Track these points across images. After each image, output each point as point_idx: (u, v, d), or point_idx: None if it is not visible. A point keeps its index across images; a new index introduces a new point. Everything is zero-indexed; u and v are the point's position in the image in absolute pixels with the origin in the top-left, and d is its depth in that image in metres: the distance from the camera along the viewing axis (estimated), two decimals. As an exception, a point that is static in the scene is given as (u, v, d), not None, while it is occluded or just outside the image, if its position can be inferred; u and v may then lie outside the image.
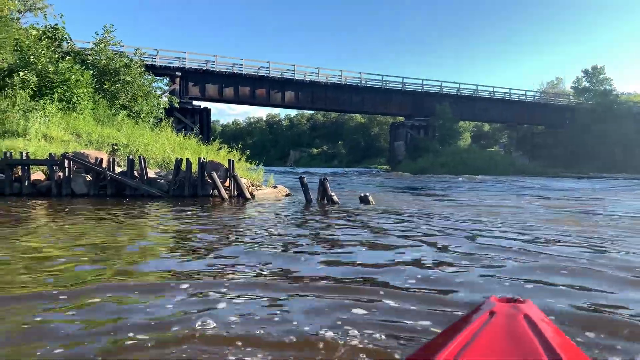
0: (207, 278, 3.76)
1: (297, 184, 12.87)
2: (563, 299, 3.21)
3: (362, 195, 11.36)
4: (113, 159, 12.77)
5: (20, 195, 12.15)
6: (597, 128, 52.40)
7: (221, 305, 3.02)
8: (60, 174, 12.53)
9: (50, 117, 15.58)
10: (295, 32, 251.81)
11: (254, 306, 3.03)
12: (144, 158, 12.58)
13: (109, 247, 5.13)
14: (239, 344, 2.35)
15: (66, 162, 12.38)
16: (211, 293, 3.32)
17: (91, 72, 19.71)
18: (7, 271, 3.95)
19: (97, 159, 12.66)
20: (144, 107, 21.50)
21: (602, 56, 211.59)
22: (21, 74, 16.71)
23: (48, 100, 16.51)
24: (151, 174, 12.97)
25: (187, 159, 12.60)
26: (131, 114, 20.44)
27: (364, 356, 2.24)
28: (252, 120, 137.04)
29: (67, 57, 20.06)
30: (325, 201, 11.21)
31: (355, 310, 2.93)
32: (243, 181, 12.50)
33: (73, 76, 17.89)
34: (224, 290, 3.40)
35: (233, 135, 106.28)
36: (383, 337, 2.48)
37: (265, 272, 4.00)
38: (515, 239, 5.86)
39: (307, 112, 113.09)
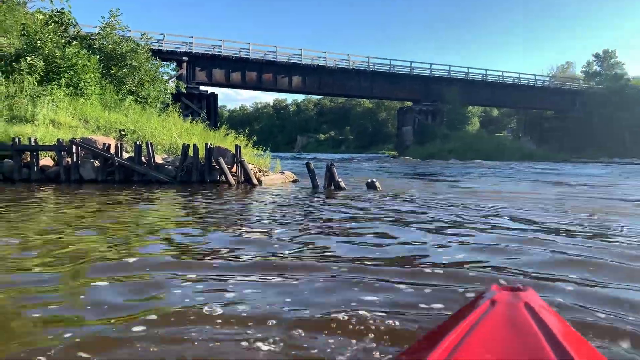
0: (219, 259, 3.77)
1: (304, 170, 12.85)
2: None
3: (369, 181, 11.33)
4: (121, 144, 12.80)
5: (29, 181, 12.22)
6: (607, 113, 51.77)
7: (231, 287, 3.05)
8: (69, 159, 12.58)
9: (57, 103, 15.60)
10: (302, 16, 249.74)
11: (264, 287, 3.06)
12: (151, 144, 12.59)
13: (120, 231, 5.15)
14: (250, 324, 2.36)
15: (74, 147, 12.42)
16: (221, 275, 3.36)
17: (98, 57, 19.64)
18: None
19: (104, 144, 12.70)
20: (151, 93, 21.46)
21: (614, 40, 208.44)
22: (28, 59, 16.69)
23: (55, 86, 16.52)
24: (159, 159, 12.99)
25: (195, 145, 12.60)
26: (138, 99, 20.42)
27: (375, 337, 2.24)
28: (259, 105, 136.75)
29: (74, 42, 20.00)
30: (332, 187, 11.20)
31: (366, 292, 2.95)
32: (250, 167, 12.50)
33: (80, 61, 17.85)
34: (235, 272, 3.43)
35: (240, 121, 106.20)
36: (395, 319, 2.48)
37: (274, 255, 4.00)
38: (536, 229, 5.82)
39: (315, 97, 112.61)
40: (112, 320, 2.44)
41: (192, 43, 38.94)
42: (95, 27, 23.03)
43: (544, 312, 1.04)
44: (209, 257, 3.96)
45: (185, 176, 12.56)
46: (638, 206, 8.55)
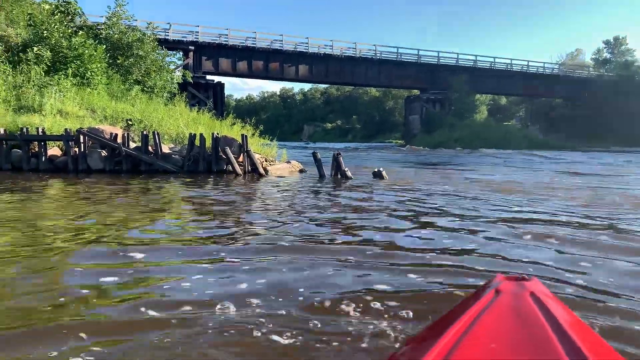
0: (229, 243, 3.79)
1: (310, 159, 12.83)
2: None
3: (376, 170, 11.31)
4: (128, 134, 12.82)
5: (37, 170, 12.30)
6: (617, 100, 51.06)
7: (242, 272, 3.12)
8: (76, 149, 12.63)
9: (64, 93, 15.63)
10: (307, 4, 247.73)
11: (274, 273, 3.14)
12: (158, 133, 12.60)
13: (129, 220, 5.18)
14: (261, 312, 2.38)
15: (81, 137, 12.46)
16: (233, 260, 3.45)
17: (104, 46, 19.63)
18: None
19: (111, 134, 12.72)
20: (158, 82, 21.45)
21: (625, 26, 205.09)
22: (35, 49, 16.71)
23: (62, 76, 16.54)
24: (165, 149, 13.01)
25: (201, 134, 12.60)
26: (145, 89, 20.42)
27: (387, 326, 2.27)
28: (265, 94, 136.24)
29: (80, 31, 19.97)
30: (339, 176, 11.20)
31: (377, 281, 2.99)
32: (257, 156, 12.49)
33: (86, 51, 17.85)
34: (246, 255, 3.53)
35: (247, 110, 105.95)
36: (406, 305, 2.53)
37: (284, 244, 4.03)
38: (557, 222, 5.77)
39: (321, 86, 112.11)
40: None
41: (198, 32, 38.80)
42: (102, 16, 23.00)
43: (550, 301, 1.05)
44: (217, 245, 3.98)
45: (192, 166, 12.57)
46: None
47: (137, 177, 11.27)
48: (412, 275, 3.14)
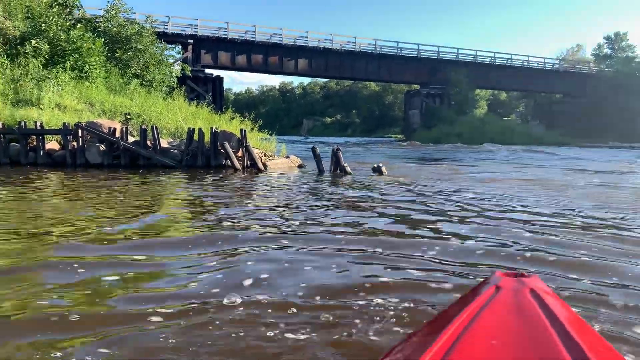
0: (227, 238, 3.79)
1: (310, 154, 12.80)
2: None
3: (375, 165, 11.29)
4: (126, 128, 12.77)
5: (35, 165, 12.25)
6: (618, 96, 50.97)
7: (247, 265, 3.17)
8: (75, 143, 12.58)
9: (63, 86, 15.56)
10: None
11: (277, 266, 3.18)
12: (156, 128, 12.56)
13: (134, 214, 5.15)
14: (266, 304, 2.38)
15: (80, 131, 12.41)
16: (236, 256, 3.47)
17: (103, 40, 19.53)
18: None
19: (110, 128, 12.67)
20: (156, 76, 21.36)
21: (626, 22, 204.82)
22: (33, 42, 16.61)
23: (60, 69, 16.45)
24: (164, 143, 12.96)
25: (200, 129, 12.54)
26: (143, 82, 20.33)
27: (388, 321, 2.28)
28: (264, 88, 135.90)
29: (78, 24, 19.86)
30: (338, 171, 11.19)
31: (377, 276, 3.01)
32: (255, 151, 12.44)
33: (85, 44, 17.74)
34: (245, 249, 3.56)
35: (246, 104, 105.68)
36: (408, 298, 2.55)
37: (282, 239, 4.02)
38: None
39: (321, 80, 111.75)
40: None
41: (197, 25, 38.64)
42: (100, 9, 22.88)
43: (549, 298, 1.04)
44: (221, 239, 3.96)
45: (191, 160, 12.53)
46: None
47: (136, 171, 11.23)
48: (411, 271, 3.14)
